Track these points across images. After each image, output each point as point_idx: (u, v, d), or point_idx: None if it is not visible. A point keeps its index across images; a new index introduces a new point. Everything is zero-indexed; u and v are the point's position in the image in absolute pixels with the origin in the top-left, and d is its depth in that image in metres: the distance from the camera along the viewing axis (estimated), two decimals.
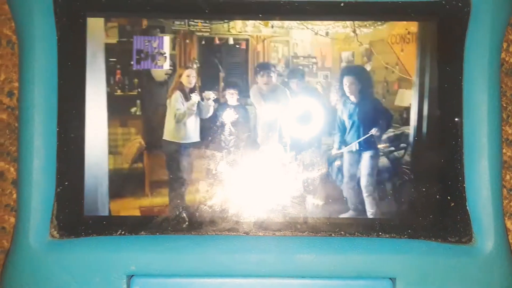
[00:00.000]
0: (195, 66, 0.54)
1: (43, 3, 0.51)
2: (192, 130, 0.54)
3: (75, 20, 0.52)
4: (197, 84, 0.54)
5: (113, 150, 0.53)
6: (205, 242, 0.51)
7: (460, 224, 0.52)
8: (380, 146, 0.55)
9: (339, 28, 0.54)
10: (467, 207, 0.52)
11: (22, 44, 0.51)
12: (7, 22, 0.56)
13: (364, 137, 0.55)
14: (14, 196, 0.55)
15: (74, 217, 0.52)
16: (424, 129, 0.54)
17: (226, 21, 0.54)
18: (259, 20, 0.54)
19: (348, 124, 0.55)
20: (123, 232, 0.51)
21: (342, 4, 0.53)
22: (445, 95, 0.53)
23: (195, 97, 0.54)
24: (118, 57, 0.53)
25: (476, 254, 0.51)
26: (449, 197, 0.53)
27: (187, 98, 0.54)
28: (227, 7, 0.53)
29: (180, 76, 0.54)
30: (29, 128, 0.50)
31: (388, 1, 0.53)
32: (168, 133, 0.54)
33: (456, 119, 0.52)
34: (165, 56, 0.54)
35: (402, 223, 0.53)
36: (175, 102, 0.54)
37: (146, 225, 0.52)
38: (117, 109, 0.54)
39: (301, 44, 0.55)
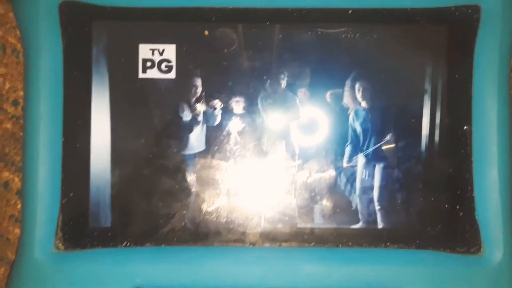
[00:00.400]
0: (200, 74, 0.53)
1: (48, 11, 0.50)
2: (198, 140, 0.54)
3: (80, 28, 0.52)
4: (203, 93, 0.54)
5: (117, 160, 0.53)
6: (211, 254, 0.51)
7: (469, 234, 0.51)
8: (394, 156, 0.54)
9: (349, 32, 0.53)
10: (476, 217, 0.51)
11: (28, 52, 0.51)
12: (12, 30, 0.55)
13: (376, 146, 0.54)
14: (19, 206, 0.55)
15: (79, 229, 0.51)
16: (436, 137, 0.53)
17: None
18: (266, 28, 0.53)
19: (359, 132, 0.54)
20: (128, 244, 0.51)
21: (350, 11, 0.52)
22: (455, 103, 0.52)
23: (200, 106, 0.53)
24: (123, 66, 0.53)
25: (485, 264, 0.50)
26: (458, 207, 0.52)
27: (192, 107, 0.54)
28: (233, 14, 0.52)
29: (185, 85, 0.54)
30: (34, 138, 0.50)
31: (397, 7, 0.52)
32: (174, 143, 0.53)
33: (465, 127, 0.52)
34: (172, 65, 0.53)
35: (411, 233, 0.52)
36: (181, 115, 0.54)
37: (152, 236, 0.52)
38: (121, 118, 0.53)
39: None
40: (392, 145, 0.54)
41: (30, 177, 0.50)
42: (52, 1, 0.50)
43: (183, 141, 0.53)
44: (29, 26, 0.50)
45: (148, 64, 0.53)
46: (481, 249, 0.51)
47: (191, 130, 0.53)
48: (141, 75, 0.53)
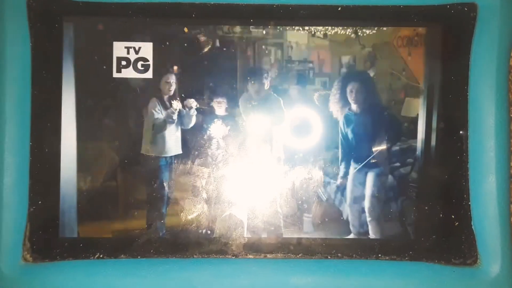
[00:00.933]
0: (175, 71, 0.51)
1: (15, 7, 0.47)
2: (173, 143, 0.51)
3: (50, 25, 0.49)
4: (177, 91, 0.51)
5: (83, 167, 0.50)
6: (191, 266, 0.48)
7: (464, 245, 0.49)
8: (387, 162, 0.51)
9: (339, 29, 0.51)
10: (473, 227, 0.49)
11: None
12: None
13: (372, 155, 0.51)
14: None
15: (48, 239, 0.49)
16: (431, 143, 0.51)
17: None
18: (251, 25, 0.51)
19: (350, 136, 0.52)
20: (101, 256, 0.48)
21: (339, 9, 0.49)
22: (450, 106, 0.50)
23: (175, 105, 0.51)
24: (96, 65, 0.50)
25: (482, 276, 0.48)
26: (453, 216, 0.50)
27: (165, 106, 0.51)
28: (215, 11, 0.49)
29: (159, 82, 0.51)
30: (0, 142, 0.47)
31: (389, 5, 0.49)
32: (146, 147, 0.51)
33: (461, 132, 0.49)
34: (149, 64, 0.50)
35: (403, 244, 0.50)
36: (152, 111, 0.51)
37: (127, 247, 0.49)
38: (88, 120, 0.50)
39: (296, 47, 0.51)
40: (384, 151, 0.51)
41: None
42: None
43: (158, 144, 0.51)
44: None
45: (123, 63, 0.50)
46: (478, 261, 0.49)
47: (163, 129, 0.50)
48: (115, 74, 0.50)
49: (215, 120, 0.51)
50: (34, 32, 0.48)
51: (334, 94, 0.52)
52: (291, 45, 0.52)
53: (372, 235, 0.51)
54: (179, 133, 0.51)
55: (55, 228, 0.49)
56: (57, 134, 0.49)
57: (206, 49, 0.51)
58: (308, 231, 0.51)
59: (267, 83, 0.51)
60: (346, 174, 0.52)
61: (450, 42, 0.50)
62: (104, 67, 0.50)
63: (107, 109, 0.51)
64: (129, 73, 0.50)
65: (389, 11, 0.50)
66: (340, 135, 0.52)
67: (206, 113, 0.51)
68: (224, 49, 0.51)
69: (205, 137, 0.51)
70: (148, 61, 0.50)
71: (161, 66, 0.50)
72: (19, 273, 0.47)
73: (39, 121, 0.48)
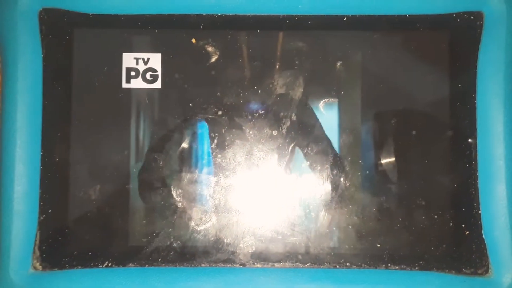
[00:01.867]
0: (186, 83, 0.51)
1: (28, 19, 0.48)
2: (185, 153, 0.51)
3: (61, 37, 0.50)
4: (190, 104, 0.51)
5: (93, 176, 0.50)
6: (198, 275, 0.48)
7: (475, 254, 0.48)
8: (394, 170, 0.51)
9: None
10: (483, 236, 0.48)
11: (6, 62, 0.49)
12: None
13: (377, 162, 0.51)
14: None
15: (58, 248, 0.49)
16: (439, 151, 0.50)
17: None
18: (257, 36, 0.51)
19: (358, 145, 0.51)
20: (110, 264, 0.48)
21: (345, 19, 0.50)
22: (458, 114, 0.50)
23: (187, 118, 0.51)
24: (106, 76, 0.51)
25: (494, 286, 0.47)
26: (463, 225, 0.49)
27: (178, 118, 0.51)
28: (222, 22, 0.50)
29: (172, 95, 0.51)
30: (11, 152, 0.47)
31: (395, 14, 0.49)
32: (159, 157, 0.51)
33: (470, 140, 0.49)
34: (157, 74, 0.51)
35: (413, 253, 0.50)
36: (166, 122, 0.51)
37: (135, 256, 0.49)
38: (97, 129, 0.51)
39: None
40: (392, 160, 0.51)
41: (6, 194, 0.47)
42: (32, 8, 0.48)
43: (169, 155, 0.51)
44: (7, 34, 0.48)
45: (132, 73, 0.51)
46: (489, 270, 0.48)
47: (179, 144, 0.51)
48: (124, 85, 0.51)
49: (222, 129, 0.51)
50: (45, 44, 0.49)
51: None
52: None
53: (380, 243, 0.50)
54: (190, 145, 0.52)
55: (65, 236, 0.49)
56: (67, 144, 0.50)
57: (214, 60, 0.51)
58: (316, 241, 0.50)
59: (275, 93, 0.51)
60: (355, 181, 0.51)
61: (457, 51, 0.50)
62: (114, 78, 0.51)
63: (121, 120, 0.51)
64: (138, 83, 0.51)
65: (395, 20, 0.50)
66: (347, 142, 0.51)
67: (215, 123, 0.51)
68: (233, 60, 0.51)
69: (214, 146, 0.51)
70: (156, 71, 0.51)
71: (169, 77, 0.51)
72: (28, 281, 0.47)
73: (50, 131, 0.49)
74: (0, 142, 0.48)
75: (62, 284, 0.47)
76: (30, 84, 0.48)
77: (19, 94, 0.48)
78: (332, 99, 0.51)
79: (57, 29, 0.49)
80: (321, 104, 0.51)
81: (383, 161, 0.51)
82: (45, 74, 0.49)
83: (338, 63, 0.51)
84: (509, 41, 0.48)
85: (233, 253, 0.49)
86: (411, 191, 0.50)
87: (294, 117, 0.51)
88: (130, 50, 0.51)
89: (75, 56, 0.50)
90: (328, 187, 0.51)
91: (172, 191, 0.50)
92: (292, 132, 0.51)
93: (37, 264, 0.48)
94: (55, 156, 0.49)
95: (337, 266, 0.49)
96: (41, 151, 0.48)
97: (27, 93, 0.48)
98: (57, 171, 0.49)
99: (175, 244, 0.50)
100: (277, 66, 0.51)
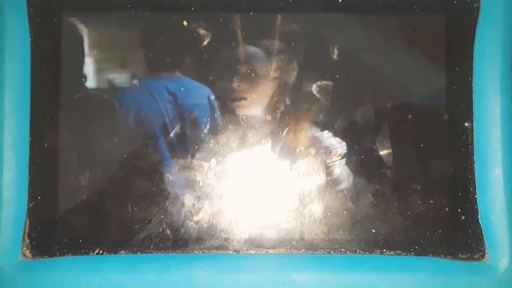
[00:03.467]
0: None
1: (15, 2, 0.47)
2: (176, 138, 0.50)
3: (50, 20, 0.49)
4: (181, 88, 0.50)
5: (82, 162, 0.49)
6: (191, 262, 0.47)
7: (471, 239, 0.48)
8: (389, 155, 0.50)
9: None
10: (479, 221, 0.48)
11: None
12: None
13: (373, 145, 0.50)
14: None
15: (48, 235, 0.48)
16: (435, 135, 0.50)
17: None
18: (250, 18, 0.50)
19: (353, 128, 0.51)
20: (101, 252, 0.48)
21: (340, 0, 0.49)
22: (454, 98, 0.49)
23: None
24: (96, 61, 0.50)
25: (490, 271, 0.47)
26: (459, 210, 0.49)
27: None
28: (215, 4, 0.49)
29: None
30: None
31: None
32: (150, 142, 0.50)
33: (466, 124, 0.49)
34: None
35: (408, 238, 0.49)
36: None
37: (126, 243, 0.48)
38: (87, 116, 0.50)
39: None
40: (388, 144, 0.50)
41: None
42: None
43: (160, 141, 0.50)
44: None
45: None
46: (485, 256, 0.48)
47: (170, 129, 0.50)
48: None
49: (214, 114, 0.50)
50: (33, 28, 0.48)
51: None
52: None
53: (375, 228, 0.50)
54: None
55: (55, 224, 0.49)
56: (56, 130, 0.49)
57: (206, 43, 0.50)
58: (310, 226, 0.50)
59: (269, 76, 0.51)
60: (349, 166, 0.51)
61: (453, 33, 0.50)
62: (105, 62, 0.50)
63: (112, 105, 0.50)
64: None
65: (391, 2, 0.49)
66: (340, 125, 0.51)
67: (208, 107, 0.51)
68: (225, 42, 0.50)
69: (206, 131, 0.51)
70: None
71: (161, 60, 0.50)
72: (18, 269, 0.46)
73: (38, 117, 0.48)
74: None
75: (52, 272, 0.46)
76: (18, 68, 0.47)
77: (7, 79, 0.47)
78: (327, 83, 0.51)
79: (45, 12, 0.48)
80: (315, 88, 0.51)
81: (378, 145, 0.50)
82: (33, 59, 0.48)
83: (333, 46, 0.51)
84: (506, 23, 0.48)
85: (227, 239, 0.49)
86: (407, 176, 0.50)
87: (288, 102, 0.50)
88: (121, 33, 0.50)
89: (64, 39, 0.49)
90: (322, 172, 0.50)
91: (164, 177, 0.50)
92: (287, 117, 0.50)
93: (27, 252, 0.47)
94: (44, 142, 0.48)
95: (332, 252, 0.49)
96: (30, 137, 0.48)
97: (15, 78, 0.47)
98: (46, 157, 0.48)
99: (167, 231, 0.49)
100: (270, 49, 0.50)
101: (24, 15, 0.47)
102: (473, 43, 0.48)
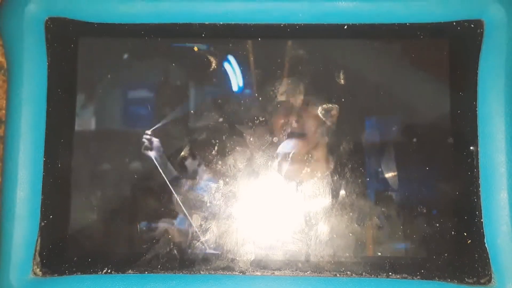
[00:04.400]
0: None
1: (34, 27, 0.49)
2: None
3: (66, 45, 0.51)
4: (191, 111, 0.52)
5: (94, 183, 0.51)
6: (198, 282, 0.47)
7: (478, 263, 0.48)
8: (395, 179, 0.51)
9: None
10: (486, 244, 0.48)
11: (12, 70, 0.49)
12: (1, 48, 0.54)
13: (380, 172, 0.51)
14: None
15: (58, 254, 0.49)
16: (441, 159, 0.50)
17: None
18: (259, 44, 0.51)
19: (359, 151, 0.51)
20: (109, 271, 0.48)
21: (345, 27, 0.50)
22: (459, 122, 0.50)
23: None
24: (110, 83, 0.51)
25: None
26: (465, 234, 0.49)
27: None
28: (224, 31, 0.51)
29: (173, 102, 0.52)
30: (14, 157, 0.48)
31: (395, 23, 0.50)
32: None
33: (471, 148, 0.49)
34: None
35: (414, 262, 0.49)
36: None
37: (134, 263, 0.49)
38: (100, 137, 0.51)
39: None
40: (394, 167, 0.51)
41: (8, 199, 0.48)
42: (38, 17, 0.49)
43: (170, 162, 0.51)
44: (13, 42, 0.49)
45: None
46: (492, 280, 0.47)
47: (180, 152, 0.51)
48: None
49: (222, 136, 0.51)
50: (51, 52, 0.50)
51: None
52: None
53: (382, 252, 0.50)
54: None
55: (65, 242, 0.50)
56: (70, 151, 0.50)
57: (216, 68, 0.52)
58: (316, 248, 0.50)
59: (276, 100, 0.52)
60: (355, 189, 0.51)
61: (457, 59, 0.50)
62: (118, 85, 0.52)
63: (123, 128, 0.52)
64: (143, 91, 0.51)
65: (395, 29, 0.50)
66: (347, 150, 0.51)
67: (216, 130, 0.52)
68: (234, 67, 0.52)
69: (214, 152, 0.51)
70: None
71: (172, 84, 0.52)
72: (28, 287, 0.47)
73: (53, 137, 0.49)
74: (4, 148, 0.49)
75: None
76: (35, 91, 0.49)
77: (24, 101, 0.48)
78: (333, 107, 0.51)
79: (62, 37, 0.50)
80: (322, 111, 0.52)
81: (384, 168, 0.51)
82: (49, 82, 0.49)
83: (339, 71, 0.52)
84: (509, 48, 0.48)
85: (233, 260, 0.49)
86: (413, 199, 0.50)
87: (294, 124, 0.51)
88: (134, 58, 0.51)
89: (79, 64, 0.51)
90: (328, 194, 0.51)
91: (173, 198, 0.51)
92: (293, 139, 0.51)
93: (37, 270, 0.48)
94: (58, 162, 0.50)
95: (338, 275, 0.49)
96: (44, 157, 0.49)
97: (31, 100, 0.49)
98: (59, 177, 0.50)
99: (174, 251, 0.50)
100: (277, 74, 0.51)
101: (42, 40, 0.49)
102: (477, 67, 0.49)
